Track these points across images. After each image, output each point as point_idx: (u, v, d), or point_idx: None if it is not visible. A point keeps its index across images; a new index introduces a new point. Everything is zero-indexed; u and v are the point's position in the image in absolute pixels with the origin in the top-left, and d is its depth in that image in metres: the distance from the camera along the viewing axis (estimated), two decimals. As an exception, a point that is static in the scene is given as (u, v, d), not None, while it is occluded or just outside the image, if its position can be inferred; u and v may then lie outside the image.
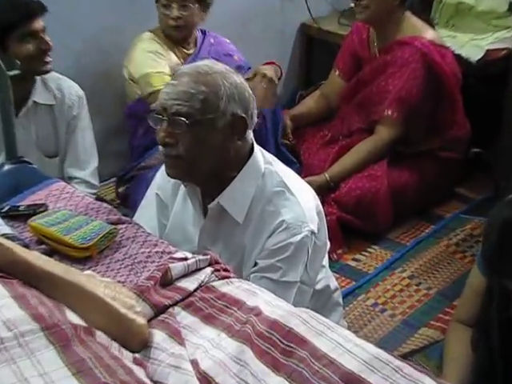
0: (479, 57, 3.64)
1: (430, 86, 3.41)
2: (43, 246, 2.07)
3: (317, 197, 2.27)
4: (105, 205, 2.35)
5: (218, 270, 1.87)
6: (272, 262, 2.08)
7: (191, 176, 2.09)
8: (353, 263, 3.23)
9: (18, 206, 2.28)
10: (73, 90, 3.00)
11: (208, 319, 1.71)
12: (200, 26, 3.45)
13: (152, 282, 1.77)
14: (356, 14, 3.44)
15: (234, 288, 1.81)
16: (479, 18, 3.90)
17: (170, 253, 2.04)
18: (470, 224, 3.46)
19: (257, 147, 2.14)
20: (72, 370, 1.41)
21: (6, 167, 2.54)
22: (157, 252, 2.06)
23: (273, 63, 3.40)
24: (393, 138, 3.44)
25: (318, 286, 2.32)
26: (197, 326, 1.70)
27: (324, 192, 3.27)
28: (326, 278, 2.40)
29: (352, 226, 3.33)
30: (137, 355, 1.60)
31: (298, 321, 1.64)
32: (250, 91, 2.08)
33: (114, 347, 1.55)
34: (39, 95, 2.91)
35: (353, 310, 2.92)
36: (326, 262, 2.38)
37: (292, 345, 1.58)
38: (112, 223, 2.17)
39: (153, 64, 3.28)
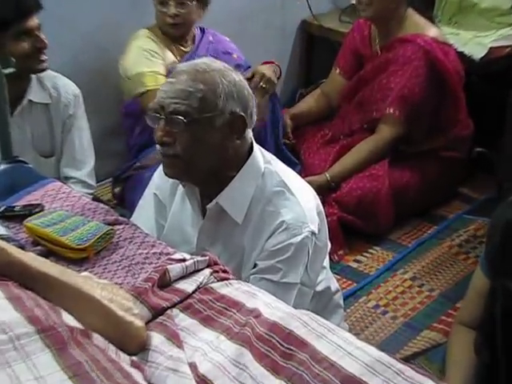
0: (482, 54, 3.64)
1: (433, 84, 3.41)
2: (39, 247, 2.07)
3: (317, 197, 2.27)
4: (102, 205, 2.35)
5: (216, 272, 1.87)
6: (272, 263, 2.08)
7: (189, 175, 2.09)
8: (354, 264, 3.23)
9: (14, 207, 2.28)
10: (69, 88, 3.00)
11: (207, 321, 1.71)
12: (198, 23, 3.45)
13: (150, 284, 1.77)
14: (359, 11, 3.44)
15: (233, 290, 1.81)
16: (482, 15, 3.90)
17: (168, 254, 2.04)
18: (473, 225, 3.46)
19: (256, 146, 2.14)
20: (68, 374, 1.40)
21: (1, 167, 2.55)
22: (155, 253, 2.06)
23: (272, 63, 3.40)
24: (395, 136, 3.45)
25: (319, 288, 2.33)
26: (195, 329, 1.70)
27: (325, 192, 3.27)
28: (327, 280, 2.40)
29: (353, 227, 3.33)
30: (134, 358, 1.59)
31: (298, 323, 1.64)
32: (250, 89, 2.08)
33: (111, 350, 1.55)
34: (34, 94, 2.91)
35: (354, 312, 2.92)
36: (326, 263, 2.38)
37: (292, 347, 1.58)
38: (109, 224, 2.17)
39: (147, 63, 3.28)
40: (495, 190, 3.59)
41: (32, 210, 2.24)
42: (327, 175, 3.37)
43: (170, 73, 3.18)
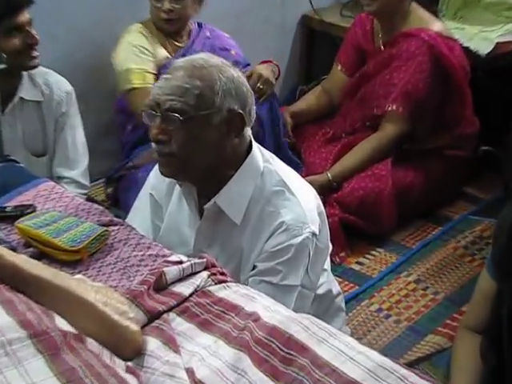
0: (489, 50, 3.64)
1: (437, 80, 3.41)
2: (31, 249, 2.08)
3: (318, 197, 2.27)
4: (96, 206, 2.35)
5: (214, 274, 1.87)
6: (271, 265, 2.08)
7: (186, 175, 2.09)
8: (356, 267, 3.23)
9: (5, 207, 2.28)
10: (61, 85, 3.00)
11: (204, 325, 1.71)
12: (195, 18, 3.45)
13: (145, 287, 1.77)
14: (363, 5, 3.45)
15: (232, 293, 1.82)
16: (488, 10, 3.91)
17: (164, 256, 2.04)
18: (479, 225, 3.46)
19: (255, 145, 2.14)
20: (61, 380, 1.40)
21: (-8, 166, 2.55)
22: (150, 255, 2.07)
23: (270, 62, 3.40)
24: (398, 134, 3.45)
25: (320, 291, 2.33)
26: (192, 333, 1.70)
27: (326, 192, 3.28)
28: (328, 283, 2.40)
29: (355, 228, 3.33)
30: (129, 363, 1.59)
31: (299, 327, 1.64)
32: (248, 86, 2.08)
33: (106, 355, 1.55)
34: (26, 91, 2.91)
35: (356, 316, 2.92)
36: (327, 265, 2.38)
37: (292, 352, 1.58)
38: (103, 225, 2.17)
39: (135, 59, 3.29)
40: (502, 189, 3.58)
41: (24, 210, 2.24)
42: (328, 175, 3.37)
43: (162, 68, 3.23)
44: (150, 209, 2.31)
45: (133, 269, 2.01)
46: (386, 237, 3.41)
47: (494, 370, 1.98)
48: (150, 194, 2.30)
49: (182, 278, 1.84)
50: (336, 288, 2.49)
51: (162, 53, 3.36)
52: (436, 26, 3.48)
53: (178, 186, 2.20)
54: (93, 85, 3.50)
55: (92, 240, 2.07)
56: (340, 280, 3.00)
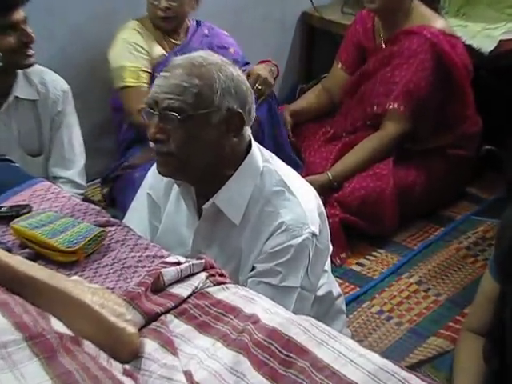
0: (492, 48, 3.65)
1: (439, 78, 3.41)
2: (27, 250, 2.07)
3: (318, 197, 2.28)
4: (92, 206, 2.35)
5: (213, 275, 1.87)
6: (271, 266, 2.08)
7: (184, 174, 2.09)
8: (357, 268, 3.23)
9: (0, 208, 2.28)
10: (57, 83, 3.00)
11: (202, 328, 1.72)
12: (192, 15, 3.45)
13: (143, 288, 1.77)
14: (365, 3, 3.44)
15: (231, 294, 1.82)
16: (491, 7, 3.92)
17: (161, 257, 2.04)
18: (481, 226, 3.47)
19: (254, 144, 2.14)
20: (58, 383, 1.41)
21: (-13, 166, 2.55)
22: (148, 256, 2.07)
23: (268, 61, 3.39)
24: (400, 133, 3.45)
25: (320, 292, 2.33)
26: (191, 335, 1.70)
27: (326, 192, 3.28)
28: (329, 284, 2.40)
29: (356, 229, 3.34)
30: (127, 366, 1.60)
31: (299, 329, 1.64)
32: (248, 84, 2.08)
33: (103, 358, 1.55)
34: (21, 90, 2.91)
35: (357, 318, 2.92)
36: (328, 266, 2.38)
37: (292, 355, 1.58)
38: (100, 225, 2.17)
39: (129, 57, 3.30)
40: (505, 189, 3.59)
41: (19, 211, 2.24)
42: (329, 174, 3.37)
43: (158, 66, 3.24)
44: (147, 209, 2.31)
45: (130, 270, 2.01)
46: (387, 237, 3.41)
47: (497, 373, 1.99)
48: (148, 193, 2.30)
49: (180, 280, 1.84)
50: (336, 289, 2.50)
51: (158, 50, 3.36)
52: (438, 23, 3.48)
53: (176, 185, 2.20)
54: (89, 83, 3.51)
55: (89, 241, 2.07)
56: (340, 281, 3.01)
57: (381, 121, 3.48)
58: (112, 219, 2.26)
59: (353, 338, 2.60)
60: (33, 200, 2.34)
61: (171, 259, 1.92)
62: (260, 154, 2.14)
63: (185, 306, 1.78)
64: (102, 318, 1.60)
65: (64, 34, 3.41)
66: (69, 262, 2.04)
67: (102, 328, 1.59)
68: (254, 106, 2.10)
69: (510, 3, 3.91)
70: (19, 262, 1.65)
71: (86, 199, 3.00)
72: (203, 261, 1.89)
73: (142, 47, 3.33)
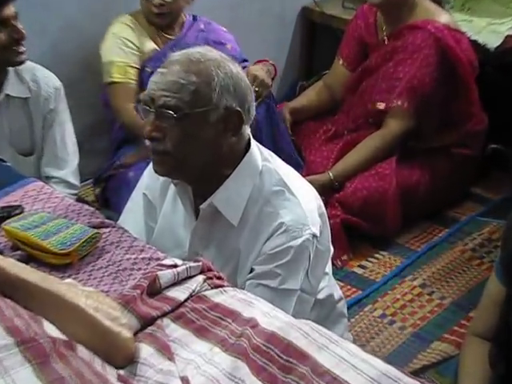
0: (498, 43, 3.65)
1: (444, 74, 3.42)
2: (18, 252, 2.07)
3: (319, 197, 2.28)
4: (86, 207, 2.35)
5: (210, 278, 1.87)
6: (270, 268, 2.08)
7: (181, 173, 2.09)
8: (359, 270, 3.24)
9: (-9, 209, 2.28)
10: (49, 80, 3.00)
11: (200, 332, 1.72)
12: (188, 10, 3.46)
13: (138, 292, 1.77)
14: None
15: (229, 298, 1.82)
16: (497, 1, 3.92)
17: (158, 259, 2.04)
18: (487, 227, 3.47)
19: (254, 143, 2.14)
20: (50, 390, 1.41)
21: (-23, 166, 2.55)
22: (143, 258, 2.07)
23: (266, 61, 3.39)
24: (404, 130, 3.45)
25: (321, 296, 2.33)
26: (188, 340, 1.70)
27: (327, 192, 3.28)
28: (330, 287, 2.40)
29: (358, 230, 3.34)
30: (121, 372, 1.60)
31: (299, 333, 1.64)
32: (248, 82, 2.08)
33: (97, 363, 1.55)
34: (12, 87, 2.91)
35: (359, 322, 2.93)
36: (329, 268, 2.39)
37: (291, 360, 1.58)
38: (94, 227, 2.17)
39: (119, 52, 3.31)
40: (511, 189, 3.60)
41: (11, 211, 2.24)
42: (330, 174, 3.38)
43: (149, 61, 3.25)
44: (143, 209, 2.31)
45: (125, 273, 2.02)
46: (390, 239, 3.42)
47: (503, 378, 1.99)
48: (144, 193, 2.30)
49: (176, 283, 1.84)
50: (338, 293, 2.50)
51: (150, 45, 3.37)
52: (443, 17, 3.48)
53: (172, 185, 2.20)
54: (83, 80, 3.50)
55: (82, 243, 2.07)
56: (342, 284, 3.01)
57: (383, 118, 3.48)
58: (107, 220, 2.26)
59: (354, 342, 2.60)
60: (25, 200, 2.34)
61: (167, 261, 1.92)
62: (259, 153, 2.14)
63: (182, 309, 1.78)
64: (96, 321, 1.60)
65: (56, 29, 3.41)
66: (62, 264, 2.04)
67: (96, 332, 1.59)
68: (254, 104, 2.10)
69: (516, -3, 3.92)
70: (11, 265, 1.65)
71: (80, 200, 3.01)
72: (200, 263, 1.89)
73: (131, 42, 3.33)
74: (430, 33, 3.39)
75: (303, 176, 2.44)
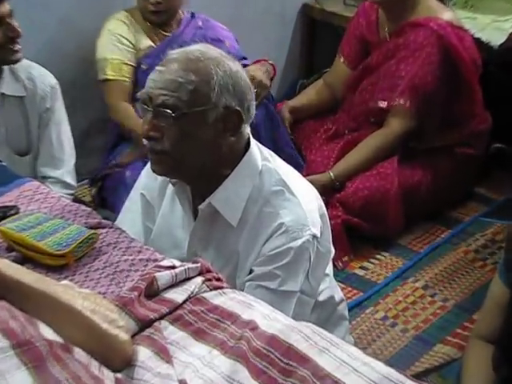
0: (501, 41, 3.65)
1: (446, 73, 3.41)
2: (14, 253, 2.08)
3: (320, 197, 2.28)
4: (83, 207, 2.35)
5: (209, 280, 1.88)
6: (269, 269, 2.08)
7: (179, 173, 2.09)
8: (360, 272, 3.24)
9: (-14, 209, 2.28)
10: (45, 79, 3.00)
11: (198, 334, 1.72)
12: (189, 7, 3.46)
13: (136, 294, 1.77)
14: None
15: (228, 300, 1.82)
16: (502, -2, 3.92)
17: (155, 260, 2.04)
18: (491, 228, 3.47)
19: (253, 142, 2.14)
20: (47, 393, 1.41)
21: (-28, 165, 2.55)
22: (141, 259, 2.07)
23: (264, 61, 3.39)
24: (405, 130, 3.45)
25: (321, 298, 2.33)
26: (186, 342, 1.70)
27: (328, 192, 3.28)
28: (330, 289, 2.40)
29: (359, 231, 3.34)
30: (119, 375, 1.60)
31: (299, 336, 1.64)
32: (248, 80, 2.08)
33: (94, 366, 1.55)
34: (7, 86, 2.91)
35: (360, 325, 2.93)
36: (329, 270, 2.39)
37: (292, 363, 1.58)
38: (91, 227, 2.17)
39: (113, 49, 3.32)
40: (515, 190, 3.60)
41: (6, 212, 2.24)
42: (331, 174, 3.38)
43: (144, 58, 3.25)
44: (141, 210, 2.31)
45: (122, 274, 2.02)
46: (391, 240, 3.42)
47: (506, 381, 1.99)
48: (142, 193, 2.30)
49: (174, 284, 1.84)
50: (338, 294, 2.50)
51: (145, 42, 3.37)
52: (446, 15, 3.48)
53: (170, 185, 2.20)
54: (79, 78, 3.50)
55: (79, 243, 2.07)
56: (343, 286, 3.01)
57: (385, 117, 3.49)
58: (104, 221, 2.26)
59: (356, 345, 2.59)
60: (20, 201, 2.34)
61: (165, 263, 1.92)
62: (259, 153, 2.14)
63: (180, 311, 1.78)
64: (93, 324, 1.60)
65: (52, 26, 3.41)
66: (58, 265, 2.04)
67: (93, 335, 1.59)
68: (254, 103, 2.10)
69: (519, -5, 3.93)
70: (6, 266, 1.65)
71: (77, 200, 3.01)
72: (199, 264, 1.89)
73: (126, 39, 3.33)
74: (432, 30, 3.39)
75: (304, 176, 2.44)
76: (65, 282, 1.89)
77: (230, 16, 3.84)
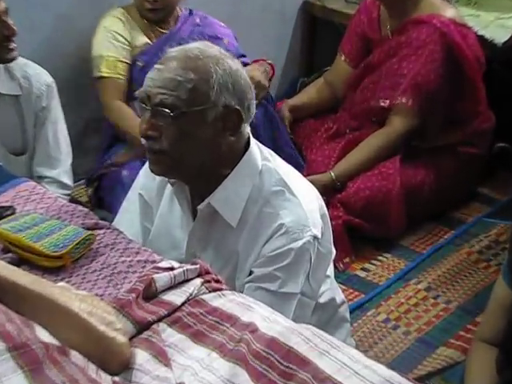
0: (505, 38, 3.65)
1: (449, 71, 3.41)
2: (10, 255, 2.08)
3: (321, 198, 2.28)
4: (80, 208, 2.35)
5: (208, 282, 1.88)
6: (269, 271, 2.08)
7: (177, 173, 2.09)
8: (361, 273, 3.24)
9: (-19, 210, 2.28)
10: (41, 77, 3.00)
11: (197, 337, 1.72)
12: (188, 4, 3.46)
13: (134, 295, 1.78)
14: None
15: (227, 301, 1.82)
16: (505, -5, 3.92)
17: (154, 262, 2.04)
18: (494, 229, 3.47)
19: (253, 141, 2.14)
20: (43, 397, 1.41)
21: (-33, 165, 2.55)
22: (139, 261, 2.07)
23: (263, 61, 3.39)
24: (408, 129, 3.45)
25: (322, 299, 2.33)
26: (184, 345, 1.70)
27: (329, 192, 3.28)
28: (331, 290, 2.41)
29: (360, 231, 3.34)
30: (116, 378, 1.60)
31: (299, 339, 1.65)
32: (248, 79, 2.08)
33: (91, 369, 1.55)
34: (2, 84, 2.91)
35: (361, 327, 2.93)
36: (330, 271, 2.39)
37: (292, 366, 1.58)
38: (88, 228, 2.17)
39: (108, 46, 3.32)
40: (519, 190, 3.60)
41: (2, 212, 2.24)
42: (332, 174, 3.38)
43: (140, 55, 3.25)
44: (139, 210, 2.31)
45: (120, 276, 2.02)
46: (393, 241, 3.42)
47: (510, 384, 1.99)
48: (140, 193, 2.30)
49: (173, 286, 1.84)
50: (340, 296, 2.50)
51: (141, 39, 3.37)
52: (449, 12, 3.48)
53: (169, 185, 2.20)
54: (76, 76, 3.50)
55: (76, 245, 2.07)
56: (344, 288, 3.01)
57: (387, 116, 3.49)
58: (101, 221, 2.26)
59: (357, 347, 2.61)
60: (16, 201, 2.34)
61: (164, 264, 1.92)
62: (259, 152, 2.14)
63: (178, 314, 1.78)
64: (90, 326, 1.60)
65: (50, 24, 3.41)
66: (55, 267, 2.04)
67: (90, 337, 1.59)
68: (254, 102, 2.10)
69: (524, -9, 3.93)
70: (1, 267, 1.65)
71: (74, 200, 3.01)
72: (198, 266, 1.89)
73: (122, 36, 3.33)
74: (435, 28, 3.39)
75: (304, 176, 2.44)
76: (61, 283, 1.89)
77: (228, 13, 3.84)
